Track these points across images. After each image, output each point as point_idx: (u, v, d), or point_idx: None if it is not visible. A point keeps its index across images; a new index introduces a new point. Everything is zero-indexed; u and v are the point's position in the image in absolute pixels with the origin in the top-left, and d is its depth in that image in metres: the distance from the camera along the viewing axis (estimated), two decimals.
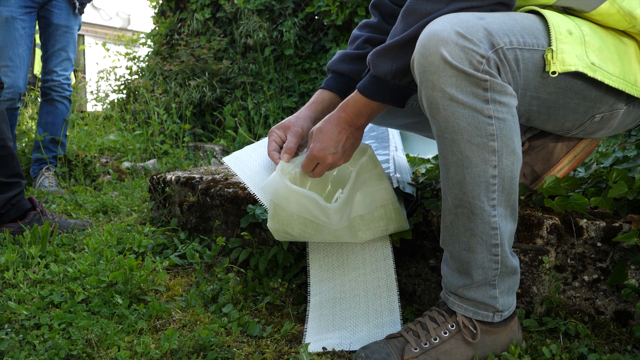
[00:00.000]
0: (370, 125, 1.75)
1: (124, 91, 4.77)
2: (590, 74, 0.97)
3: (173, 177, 1.93)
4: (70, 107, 3.10)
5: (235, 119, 4.45)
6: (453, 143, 0.94)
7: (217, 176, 1.91)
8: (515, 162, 0.97)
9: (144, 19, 12.06)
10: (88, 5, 3.00)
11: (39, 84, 3.04)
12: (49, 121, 3.00)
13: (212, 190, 1.75)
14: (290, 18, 4.77)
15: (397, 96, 1.05)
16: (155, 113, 3.85)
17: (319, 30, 4.79)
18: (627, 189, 1.17)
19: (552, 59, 0.95)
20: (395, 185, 1.37)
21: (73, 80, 3.92)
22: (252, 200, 1.62)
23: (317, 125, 1.14)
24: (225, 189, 1.71)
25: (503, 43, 0.92)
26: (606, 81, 0.98)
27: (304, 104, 4.69)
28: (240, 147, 4.12)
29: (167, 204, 1.96)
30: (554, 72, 0.96)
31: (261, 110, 4.52)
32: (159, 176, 2.01)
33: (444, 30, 0.90)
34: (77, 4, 2.89)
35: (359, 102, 1.07)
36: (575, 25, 0.99)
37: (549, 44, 0.97)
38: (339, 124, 1.10)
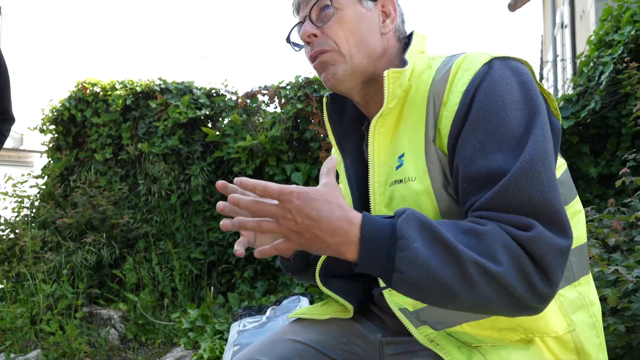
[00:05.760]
0: None
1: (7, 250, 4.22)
2: None
3: None
4: None
5: (138, 275, 4.06)
6: None
7: None
8: None
9: (38, 139, 11.38)
10: None
11: None
12: None
13: None
14: (198, 162, 4.59)
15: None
16: (43, 286, 3.39)
17: (229, 173, 4.62)
18: None
19: None
20: None
21: None
22: None
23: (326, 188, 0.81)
24: None
25: None
26: None
27: (213, 254, 4.28)
28: (142, 315, 3.69)
29: None
30: None
31: (166, 264, 4.18)
32: None
33: None
34: None
35: (349, 235, 0.79)
36: None
37: None
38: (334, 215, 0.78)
